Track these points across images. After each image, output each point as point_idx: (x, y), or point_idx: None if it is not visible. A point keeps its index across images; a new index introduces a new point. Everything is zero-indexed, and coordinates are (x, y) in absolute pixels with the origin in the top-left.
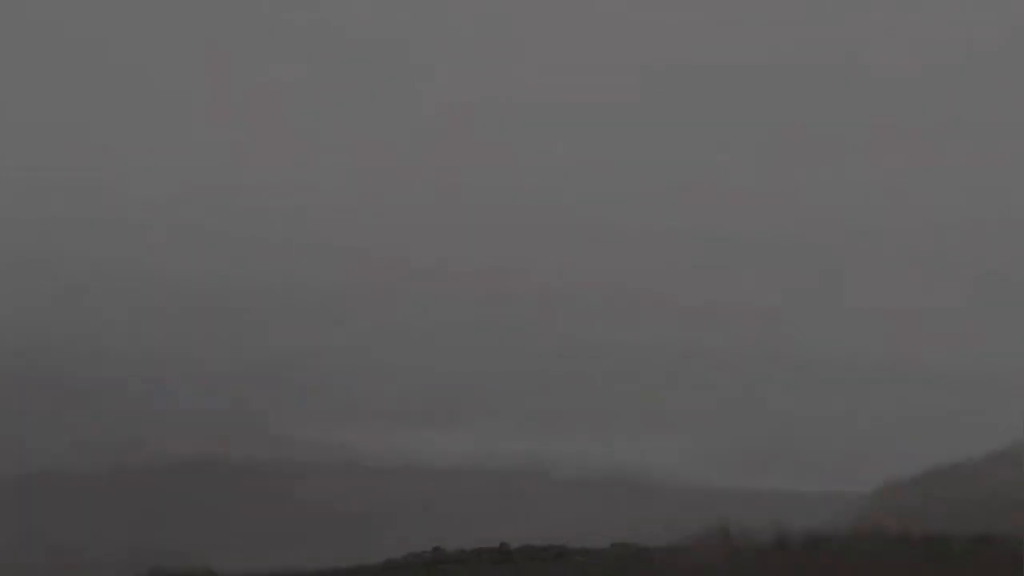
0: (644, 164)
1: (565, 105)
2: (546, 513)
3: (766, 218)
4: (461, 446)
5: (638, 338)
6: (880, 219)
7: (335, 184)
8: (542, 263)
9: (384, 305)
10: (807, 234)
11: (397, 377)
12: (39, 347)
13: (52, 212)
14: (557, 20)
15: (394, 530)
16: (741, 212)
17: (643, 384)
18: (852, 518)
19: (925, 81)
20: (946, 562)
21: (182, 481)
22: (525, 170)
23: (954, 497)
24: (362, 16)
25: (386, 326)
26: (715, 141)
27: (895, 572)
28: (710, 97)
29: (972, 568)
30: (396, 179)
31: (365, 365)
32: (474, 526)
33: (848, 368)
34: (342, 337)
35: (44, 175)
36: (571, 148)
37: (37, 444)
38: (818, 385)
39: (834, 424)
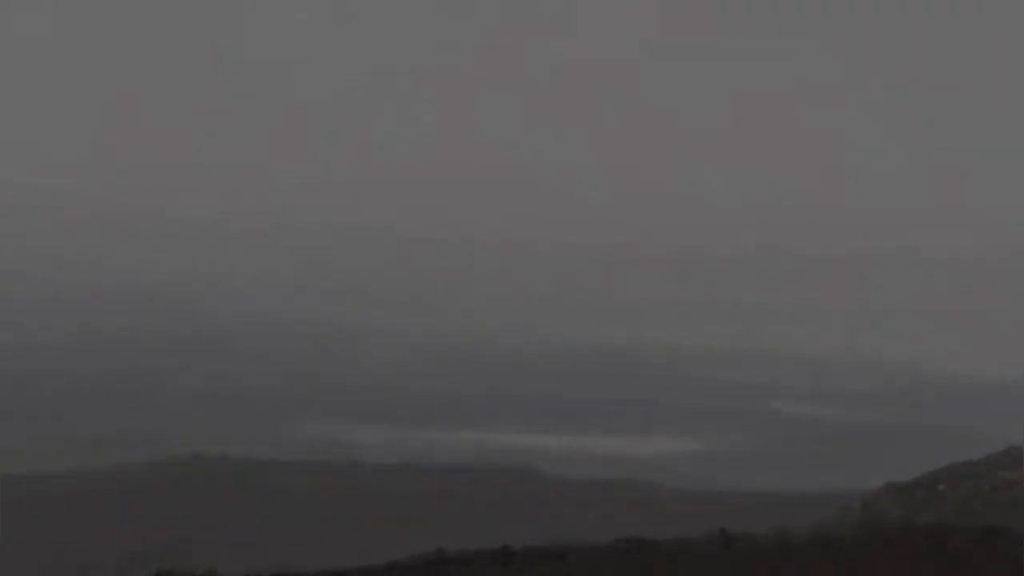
0: None
1: None
2: (548, 513)
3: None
4: (462, 446)
5: (639, 338)
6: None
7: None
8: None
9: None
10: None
11: (398, 377)
12: (39, 346)
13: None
14: None
15: (396, 529)
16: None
17: (643, 384)
18: (855, 517)
19: None
20: (947, 556)
21: (182, 481)
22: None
23: (955, 498)
24: None
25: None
26: None
27: (897, 567)
28: None
29: (973, 562)
30: None
31: (364, 365)
32: (476, 525)
33: (847, 369)
34: (342, 337)
35: None
36: None
37: (37, 444)
38: (820, 387)
39: (836, 425)
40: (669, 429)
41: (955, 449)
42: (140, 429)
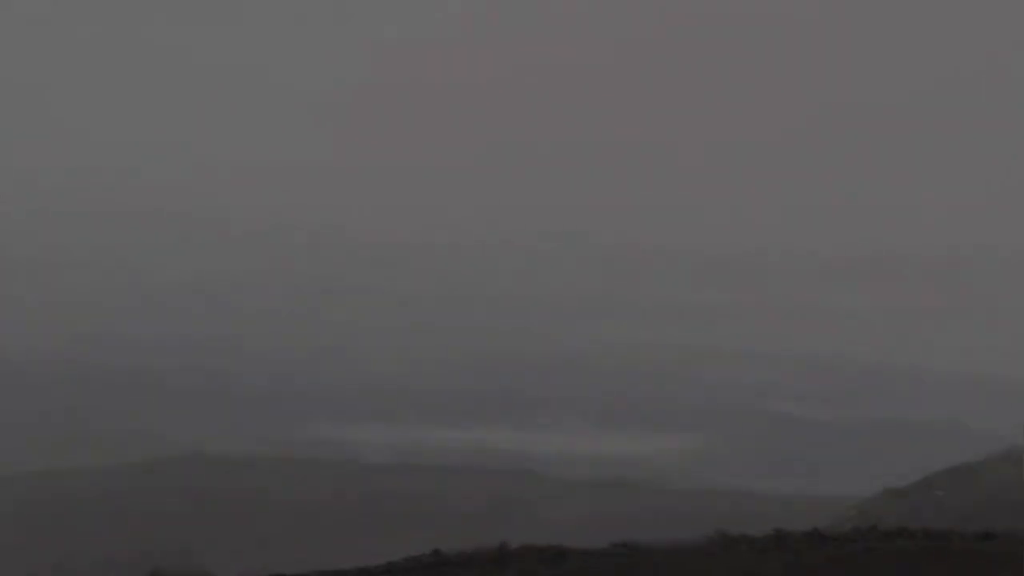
0: None
1: None
2: (546, 513)
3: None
4: (460, 445)
5: (638, 338)
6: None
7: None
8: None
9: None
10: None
11: (396, 376)
12: (41, 346)
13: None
14: None
15: (393, 530)
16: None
17: (643, 384)
18: (853, 520)
19: None
20: (947, 560)
21: (182, 480)
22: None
23: (955, 499)
24: None
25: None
26: None
27: (895, 570)
28: None
29: (973, 565)
30: None
31: (364, 365)
32: (473, 526)
33: (846, 369)
34: (343, 337)
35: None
36: None
37: (37, 443)
38: (818, 387)
39: (835, 426)
40: (667, 429)
41: (955, 450)
42: (137, 428)
